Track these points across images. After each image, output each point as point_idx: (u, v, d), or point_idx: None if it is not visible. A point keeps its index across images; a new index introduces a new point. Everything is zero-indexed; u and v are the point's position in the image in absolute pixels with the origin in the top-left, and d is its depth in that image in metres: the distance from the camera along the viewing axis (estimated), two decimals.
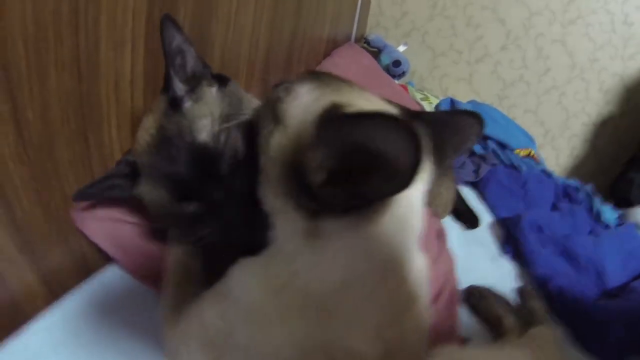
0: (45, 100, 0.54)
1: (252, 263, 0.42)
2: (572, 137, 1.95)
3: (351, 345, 0.36)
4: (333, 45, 1.67)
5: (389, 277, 0.38)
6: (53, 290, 0.66)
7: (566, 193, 1.54)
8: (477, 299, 0.90)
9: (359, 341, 0.36)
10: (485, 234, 1.25)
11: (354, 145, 0.30)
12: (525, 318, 0.90)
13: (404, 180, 0.29)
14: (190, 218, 0.56)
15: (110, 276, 0.69)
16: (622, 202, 1.73)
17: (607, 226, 1.43)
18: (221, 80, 0.62)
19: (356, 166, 0.31)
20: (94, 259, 0.73)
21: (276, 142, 0.38)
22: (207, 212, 0.55)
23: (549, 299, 1.00)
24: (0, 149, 0.52)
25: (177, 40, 0.55)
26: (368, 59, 1.72)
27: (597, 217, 1.45)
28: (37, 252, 0.64)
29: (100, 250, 0.70)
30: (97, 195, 0.62)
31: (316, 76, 0.42)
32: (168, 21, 0.54)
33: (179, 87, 0.56)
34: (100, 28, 0.56)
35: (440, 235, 1.01)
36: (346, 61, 1.59)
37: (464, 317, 0.87)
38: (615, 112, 1.88)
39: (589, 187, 1.57)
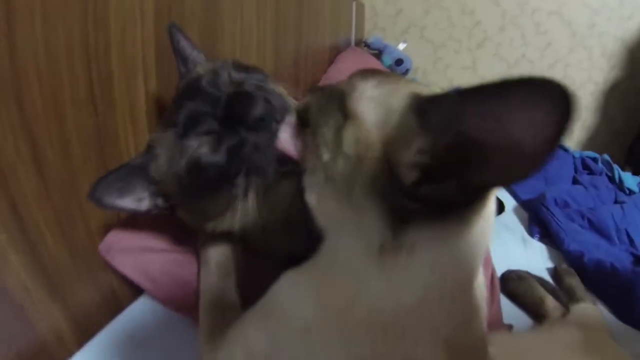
0: (64, 138, 0.54)
1: (303, 276, 0.37)
2: (582, 109, 1.93)
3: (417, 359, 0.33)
4: (336, 52, 1.68)
5: (466, 289, 0.33)
6: (84, 330, 0.65)
7: (585, 166, 1.54)
8: (516, 283, 0.88)
9: (427, 356, 0.32)
10: (511, 219, 1.24)
11: (478, 124, 0.24)
12: (564, 297, 0.89)
13: (548, 152, 0.22)
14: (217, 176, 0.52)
15: (141, 309, 0.68)
16: None
17: (630, 192, 1.43)
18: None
19: (471, 152, 0.25)
20: (124, 293, 0.72)
21: (351, 138, 0.33)
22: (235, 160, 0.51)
23: (584, 274, 0.98)
24: (22, 190, 0.51)
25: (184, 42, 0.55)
26: (372, 60, 1.73)
27: (619, 186, 1.45)
28: (66, 292, 0.63)
29: (130, 284, 0.69)
30: (114, 183, 0.55)
31: (371, 72, 0.37)
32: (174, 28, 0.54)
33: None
34: (111, 60, 0.56)
35: None
36: (350, 66, 1.59)
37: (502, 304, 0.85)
38: (622, 76, 1.85)
39: (606, 156, 1.56)
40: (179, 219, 0.60)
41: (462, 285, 0.33)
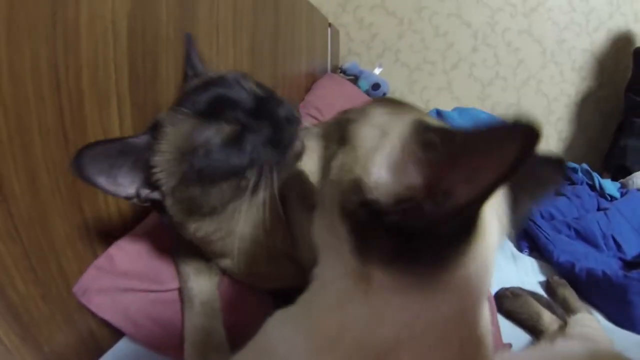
0: (32, 170, 0.50)
1: (293, 313, 0.36)
2: (557, 120, 2.00)
3: None
4: (312, 79, 1.70)
5: (464, 325, 0.33)
6: None
7: (565, 177, 1.55)
8: (511, 300, 0.88)
9: None
10: None
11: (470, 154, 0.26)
12: (559, 309, 0.89)
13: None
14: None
15: (123, 351, 0.62)
16: (620, 171, 1.77)
17: (612, 198, 1.48)
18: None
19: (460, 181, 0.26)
20: (103, 335, 0.66)
21: (338, 163, 0.34)
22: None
23: (576, 284, 1.00)
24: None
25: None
26: (349, 86, 1.75)
27: (600, 193, 1.50)
28: (41, 338, 0.57)
29: (109, 325, 0.64)
30: (104, 157, 0.48)
31: (387, 101, 0.38)
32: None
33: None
34: (82, 84, 0.54)
35: None
36: (328, 92, 1.61)
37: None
38: (593, 87, 1.94)
39: (585, 165, 1.61)
40: (161, 218, 0.56)
41: (457, 324, 0.32)
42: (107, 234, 0.65)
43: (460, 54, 1.92)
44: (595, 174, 1.55)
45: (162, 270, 0.66)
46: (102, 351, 0.62)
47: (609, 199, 1.47)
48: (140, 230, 0.69)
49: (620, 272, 0.99)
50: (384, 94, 1.92)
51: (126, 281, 0.63)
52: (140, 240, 0.67)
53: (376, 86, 1.86)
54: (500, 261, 1.10)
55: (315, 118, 1.40)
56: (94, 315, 0.62)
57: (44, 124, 0.50)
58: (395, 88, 2.02)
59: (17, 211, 0.50)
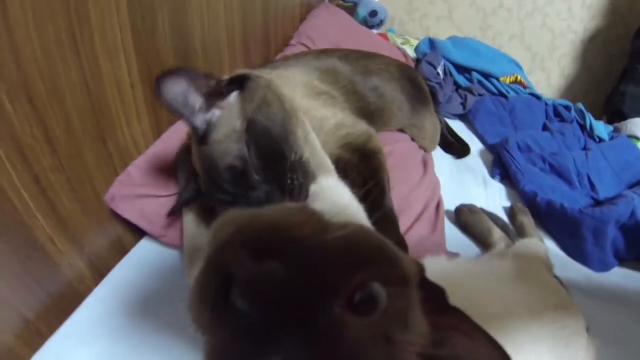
0: (67, 118, 0.66)
1: None
2: (561, 57, 1.95)
3: None
4: (308, 9, 1.70)
5: None
6: (99, 270, 0.80)
7: (557, 113, 1.58)
8: (467, 215, 0.99)
9: None
10: (475, 161, 1.34)
11: None
12: (513, 232, 0.98)
13: None
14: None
15: (143, 249, 0.83)
16: (617, 116, 1.76)
17: (600, 141, 1.47)
18: (240, 82, 0.66)
19: None
20: (128, 239, 0.87)
21: None
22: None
23: (537, 213, 1.06)
24: (41, 165, 0.64)
25: (176, 91, 0.59)
26: (344, 16, 1.76)
27: (590, 134, 1.49)
28: (83, 241, 0.78)
29: (132, 231, 0.84)
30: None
31: None
32: (163, 81, 0.57)
33: (199, 124, 0.63)
34: (96, 46, 0.67)
35: (425, 163, 1.12)
36: (323, 22, 1.63)
37: (456, 237, 0.96)
38: (602, 26, 1.86)
39: (580, 105, 1.60)
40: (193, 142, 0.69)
41: None
42: (125, 160, 0.83)
43: None
44: (588, 115, 1.55)
45: (168, 181, 0.83)
46: (127, 251, 0.83)
47: (598, 140, 1.47)
48: (150, 153, 0.85)
49: (577, 208, 1.02)
50: (382, 21, 1.91)
51: (141, 190, 0.81)
52: (151, 160, 0.84)
53: (374, 13, 1.85)
54: (472, 184, 1.20)
55: (308, 47, 1.46)
56: (120, 222, 0.83)
57: (71, 81, 0.64)
58: (395, 15, 1.99)
59: (60, 149, 0.67)
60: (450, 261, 0.69)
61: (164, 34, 0.84)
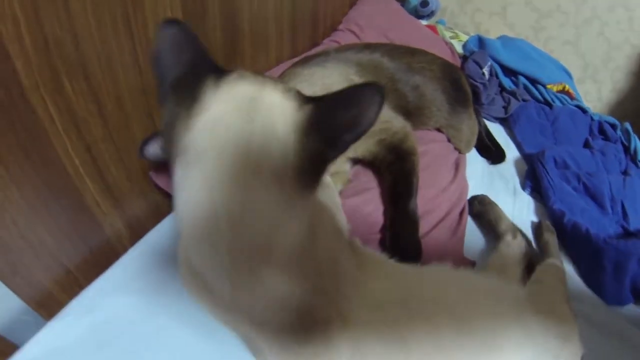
0: (119, 94, 0.72)
1: None
2: (615, 69, 1.82)
3: None
4: None
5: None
6: (136, 232, 0.86)
7: (602, 130, 1.49)
8: (478, 206, 1.00)
9: None
10: (508, 169, 1.30)
11: None
12: (540, 252, 0.95)
13: None
14: None
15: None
16: None
17: None
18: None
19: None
20: (165, 207, 0.94)
21: None
22: None
23: (562, 234, 1.01)
24: (93, 136, 0.71)
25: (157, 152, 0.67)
26: (393, 4, 1.72)
27: (633, 157, 1.39)
28: (125, 205, 0.85)
29: (170, 199, 0.89)
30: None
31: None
32: (143, 146, 0.70)
33: None
34: (149, 30, 0.71)
35: (457, 166, 1.10)
36: (373, 8, 1.61)
37: (478, 243, 0.96)
38: None
39: (627, 125, 1.50)
40: None
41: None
42: None
43: None
44: (634, 137, 1.43)
45: None
46: (163, 217, 0.89)
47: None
48: None
49: (603, 236, 0.96)
50: (433, 12, 1.85)
51: None
52: None
53: (424, 3, 1.80)
54: (501, 192, 1.16)
55: (355, 34, 1.46)
56: (160, 192, 0.90)
57: (124, 62, 0.70)
58: (447, 6, 1.93)
59: (110, 122, 0.73)
60: (454, 272, 0.64)
61: (213, 16, 0.88)
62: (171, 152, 0.40)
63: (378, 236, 0.82)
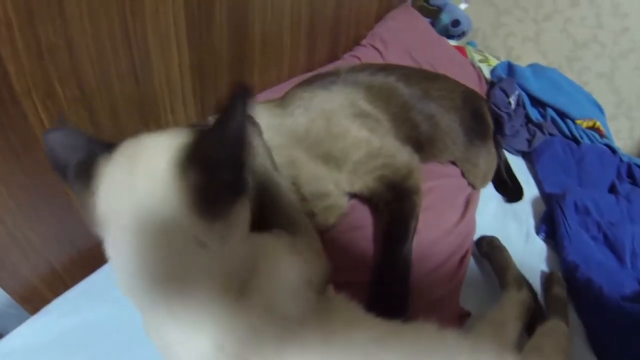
0: (113, 103, 0.71)
1: None
2: None
3: None
4: (387, 7, 1.62)
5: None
6: None
7: (630, 174, 1.38)
8: (486, 247, 0.93)
9: None
10: (524, 209, 1.20)
11: None
12: (546, 305, 0.89)
13: None
14: None
15: None
16: None
17: None
18: None
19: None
20: None
21: None
22: None
23: (574, 288, 0.94)
24: None
25: None
26: (422, 22, 1.66)
27: None
28: None
29: None
30: None
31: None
32: None
33: None
34: (148, 39, 0.70)
35: (467, 204, 1.02)
36: (400, 25, 1.55)
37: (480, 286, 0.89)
38: None
39: None
40: None
41: None
42: None
43: (557, 5, 1.65)
44: None
45: None
46: None
47: None
48: None
49: (618, 295, 0.89)
50: (464, 32, 1.78)
51: None
52: None
53: (456, 22, 1.73)
54: (512, 233, 1.08)
55: (378, 51, 1.41)
56: None
57: (120, 71, 0.69)
58: (479, 27, 1.86)
59: (104, 130, 0.72)
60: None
61: (220, 24, 0.85)
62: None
63: (365, 279, 0.75)
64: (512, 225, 1.13)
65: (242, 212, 0.44)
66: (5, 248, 0.69)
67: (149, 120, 0.79)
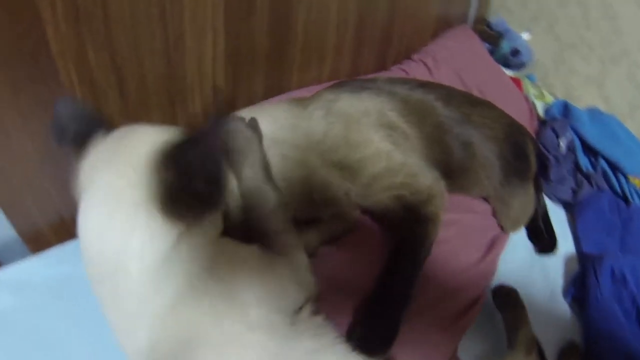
0: (142, 76, 0.72)
1: None
2: None
3: None
4: (444, 25, 1.58)
5: None
6: None
7: None
8: (502, 298, 0.85)
9: None
10: (555, 265, 1.10)
11: None
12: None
13: None
14: None
15: None
16: None
17: None
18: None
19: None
20: None
21: None
22: None
23: None
24: (111, 107, 0.72)
25: None
26: (479, 46, 1.60)
27: None
28: None
29: None
30: None
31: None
32: None
33: None
34: (184, 22, 0.71)
35: (492, 246, 0.94)
36: (455, 45, 1.50)
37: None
38: None
39: None
40: None
41: None
42: (190, 122, 0.87)
43: (626, 48, 1.52)
44: None
45: None
46: None
47: None
48: None
49: None
50: (523, 63, 1.70)
51: None
52: None
53: (516, 52, 1.65)
54: (535, 289, 0.99)
55: (428, 68, 1.36)
56: None
57: (153, 48, 0.71)
58: (539, 61, 1.75)
59: (130, 99, 0.74)
60: None
61: (261, 16, 0.84)
62: None
63: (357, 302, 0.70)
64: (537, 280, 1.03)
65: (208, 223, 0.47)
66: (23, 193, 0.74)
67: (176, 99, 0.80)
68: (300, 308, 0.51)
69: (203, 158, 0.41)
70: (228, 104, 0.91)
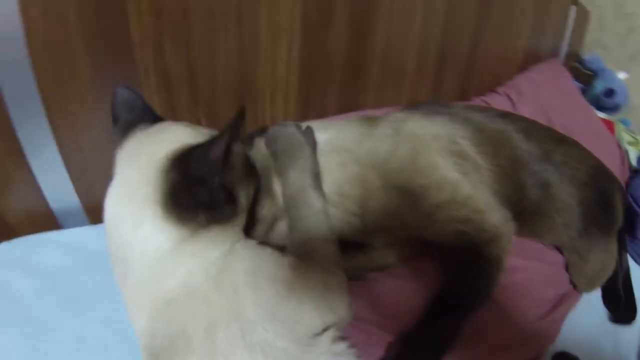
0: (214, 75, 0.74)
1: None
2: None
3: None
4: (533, 59, 1.48)
5: None
6: None
7: None
8: None
9: None
10: (629, 336, 0.93)
11: None
12: None
13: None
14: None
15: None
16: None
17: None
18: None
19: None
20: None
21: None
22: None
23: None
24: (178, 101, 0.74)
25: None
26: (570, 83, 1.47)
27: None
28: None
29: None
30: None
31: None
32: None
33: None
34: (260, 29, 0.74)
35: (560, 303, 0.84)
36: (543, 79, 1.40)
37: None
38: None
39: None
40: None
41: None
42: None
43: None
44: None
45: None
46: None
47: None
48: None
49: None
50: (617, 106, 1.54)
51: None
52: None
53: (610, 93, 1.50)
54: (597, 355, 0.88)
55: (512, 101, 1.28)
56: None
57: (226, 46, 0.73)
58: (636, 105, 1.59)
59: (199, 95, 0.76)
60: None
61: (338, 28, 0.84)
62: None
63: (391, 336, 0.64)
64: (606, 351, 0.89)
65: (221, 228, 0.46)
66: (87, 167, 0.78)
67: (246, 102, 0.81)
68: (324, 330, 0.47)
69: (203, 164, 0.43)
70: (300, 115, 0.91)
